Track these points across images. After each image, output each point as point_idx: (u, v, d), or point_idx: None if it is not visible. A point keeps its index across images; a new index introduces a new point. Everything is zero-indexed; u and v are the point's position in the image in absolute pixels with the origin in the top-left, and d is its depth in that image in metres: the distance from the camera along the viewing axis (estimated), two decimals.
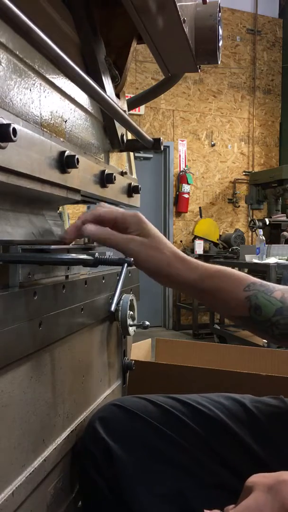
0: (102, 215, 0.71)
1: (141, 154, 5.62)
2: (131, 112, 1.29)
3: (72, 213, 4.77)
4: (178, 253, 0.72)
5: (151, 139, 1.03)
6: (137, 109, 5.00)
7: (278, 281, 3.74)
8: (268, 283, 0.71)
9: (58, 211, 0.92)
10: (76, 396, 0.81)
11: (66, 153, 0.67)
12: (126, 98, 1.19)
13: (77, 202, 1.02)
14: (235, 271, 0.72)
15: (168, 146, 5.80)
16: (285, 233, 4.52)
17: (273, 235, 4.69)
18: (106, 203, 1.06)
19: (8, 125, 0.49)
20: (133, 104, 1.26)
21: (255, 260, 3.78)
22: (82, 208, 4.67)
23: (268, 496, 0.46)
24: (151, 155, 5.77)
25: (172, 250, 0.71)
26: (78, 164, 0.69)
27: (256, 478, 0.49)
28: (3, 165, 0.52)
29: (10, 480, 0.58)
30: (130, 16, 0.77)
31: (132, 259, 0.69)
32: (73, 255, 0.64)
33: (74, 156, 0.68)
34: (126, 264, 0.68)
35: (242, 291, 0.69)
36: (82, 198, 0.87)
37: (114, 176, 0.90)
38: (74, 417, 0.80)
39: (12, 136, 0.49)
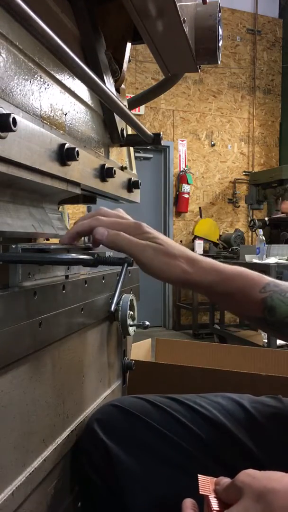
0: (102, 241, 0.65)
1: (141, 154, 5.61)
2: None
3: (72, 213, 4.77)
4: (192, 256, 0.68)
5: (151, 134, 1.04)
6: (137, 109, 5.00)
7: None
8: (281, 283, 0.70)
9: (59, 210, 0.92)
10: (76, 396, 0.80)
11: (66, 146, 0.67)
12: (126, 98, 1.20)
13: (76, 201, 1.02)
14: (250, 271, 0.70)
15: (168, 146, 5.79)
16: (285, 232, 4.52)
17: (273, 235, 4.69)
18: (105, 201, 1.06)
19: (8, 115, 0.49)
20: (133, 104, 1.26)
21: (255, 260, 3.78)
22: (82, 208, 4.67)
23: (257, 507, 0.46)
24: (151, 155, 5.77)
25: (185, 255, 0.67)
26: (78, 156, 0.69)
27: (246, 478, 0.49)
28: (3, 156, 0.52)
29: (10, 480, 0.58)
30: (130, 16, 0.77)
31: (132, 259, 0.68)
32: (73, 255, 0.64)
33: (74, 148, 0.68)
34: (126, 264, 0.68)
35: (258, 292, 0.68)
36: (82, 192, 0.87)
37: (114, 171, 0.90)
38: (74, 417, 0.80)
39: (12, 126, 0.49)
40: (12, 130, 0.49)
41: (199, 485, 0.54)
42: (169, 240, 0.69)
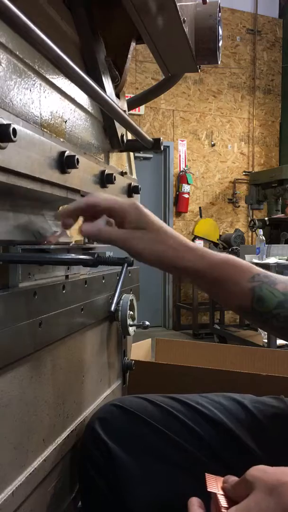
0: (97, 203, 0.66)
1: (141, 154, 5.61)
2: (131, 112, 1.29)
3: None
4: (182, 241, 0.68)
5: (151, 139, 1.03)
6: (137, 109, 5.00)
7: None
8: (271, 274, 0.70)
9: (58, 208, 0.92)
10: (76, 396, 0.80)
11: (66, 153, 0.67)
12: (126, 98, 1.20)
13: None
14: (240, 260, 0.70)
15: (168, 146, 5.79)
16: (285, 232, 4.52)
17: (273, 235, 4.69)
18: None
19: (8, 125, 0.49)
20: (133, 104, 1.26)
21: (255, 260, 3.78)
22: None
23: (270, 500, 0.45)
24: (151, 155, 5.76)
25: (176, 240, 0.67)
26: (78, 164, 0.69)
27: (257, 473, 0.48)
28: (3, 165, 0.52)
29: (10, 480, 0.58)
30: (130, 16, 0.77)
31: (132, 259, 0.68)
32: (73, 255, 0.64)
33: (74, 156, 0.68)
34: (126, 264, 0.68)
35: (246, 282, 0.67)
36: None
37: (114, 177, 0.90)
38: (74, 417, 0.80)
39: (12, 136, 0.49)
40: (12, 141, 0.49)
41: (207, 483, 0.53)
42: (157, 223, 0.68)
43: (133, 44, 1.07)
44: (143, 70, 5.57)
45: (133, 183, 1.12)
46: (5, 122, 0.50)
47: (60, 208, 0.72)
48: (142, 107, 5.46)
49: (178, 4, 0.74)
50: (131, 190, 1.11)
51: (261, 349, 1.78)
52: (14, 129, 0.49)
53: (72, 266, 0.78)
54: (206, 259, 0.68)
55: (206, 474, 0.55)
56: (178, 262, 0.67)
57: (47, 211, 0.82)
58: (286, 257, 3.91)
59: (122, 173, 1.09)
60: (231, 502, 0.50)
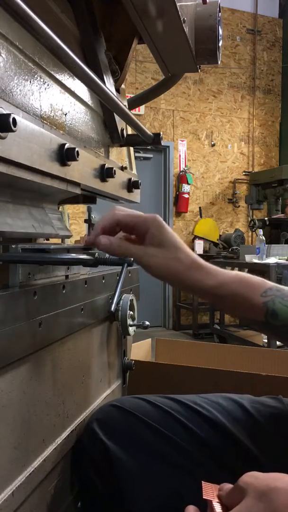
0: (120, 220, 0.69)
1: (141, 154, 5.61)
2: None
3: (72, 213, 4.77)
4: (196, 260, 0.70)
5: (151, 134, 1.03)
6: (137, 109, 5.00)
7: (279, 281, 3.74)
8: (284, 288, 0.71)
9: (59, 210, 0.92)
10: (76, 396, 0.80)
11: (66, 146, 0.67)
12: (126, 98, 1.20)
13: (76, 201, 1.02)
14: (252, 276, 0.71)
15: (168, 146, 5.79)
16: (285, 232, 4.52)
17: (273, 235, 4.69)
18: (105, 201, 1.06)
19: (8, 115, 0.49)
20: (133, 104, 1.26)
21: (255, 260, 3.78)
22: (82, 208, 4.67)
23: (260, 505, 0.46)
24: (151, 155, 5.77)
25: (189, 258, 0.69)
26: (78, 157, 0.69)
27: (249, 479, 0.49)
28: (3, 156, 0.52)
29: (10, 480, 0.58)
30: (130, 16, 0.77)
31: (132, 259, 0.69)
32: (73, 255, 0.64)
33: (74, 148, 0.68)
34: (126, 264, 0.68)
35: (259, 296, 0.69)
36: (82, 192, 0.87)
37: (114, 171, 0.90)
38: (74, 417, 0.80)
39: (12, 126, 0.49)
40: (12, 130, 0.49)
41: (203, 491, 0.55)
42: (174, 241, 0.69)
43: (135, 41, 1.07)
44: (143, 70, 5.57)
45: (133, 178, 1.12)
46: (5, 112, 0.50)
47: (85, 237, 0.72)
48: (142, 107, 5.46)
49: (178, 4, 0.75)
50: (131, 185, 1.11)
51: (261, 349, 1.78)
52: (14, 119, 0.49)
53: (72, 266, 0.78)
54: (218, 277, 0.69)
55: (202, 482, 0.56)
56: (191, 280, 0.69)
57: (47, 204, 0.82)
58: (286, 257, 3.91)
59: (122, 168, 1.09)
60: (226, 509, 0.51)
